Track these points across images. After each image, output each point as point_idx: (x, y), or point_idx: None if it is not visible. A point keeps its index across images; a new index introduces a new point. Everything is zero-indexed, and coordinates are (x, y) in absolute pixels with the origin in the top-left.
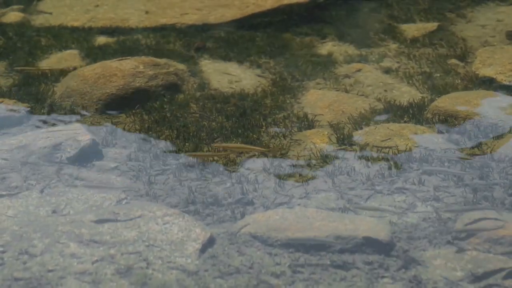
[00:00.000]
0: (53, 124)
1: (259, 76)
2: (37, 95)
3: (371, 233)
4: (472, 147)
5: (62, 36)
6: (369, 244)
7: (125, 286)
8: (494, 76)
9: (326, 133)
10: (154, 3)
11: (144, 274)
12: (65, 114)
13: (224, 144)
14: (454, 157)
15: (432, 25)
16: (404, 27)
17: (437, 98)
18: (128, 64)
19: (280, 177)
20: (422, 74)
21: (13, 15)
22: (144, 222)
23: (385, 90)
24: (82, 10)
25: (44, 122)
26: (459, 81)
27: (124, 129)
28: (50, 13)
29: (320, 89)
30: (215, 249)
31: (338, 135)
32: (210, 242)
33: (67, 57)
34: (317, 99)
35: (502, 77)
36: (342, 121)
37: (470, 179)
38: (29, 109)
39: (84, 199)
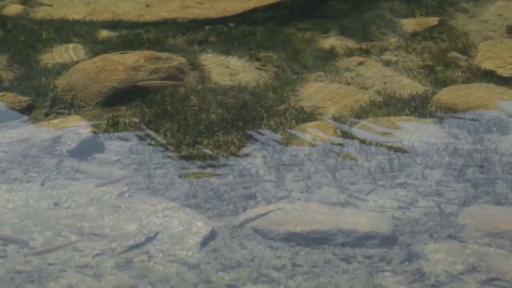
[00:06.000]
0: (54, 117)
1: (260, 69)
2: (38, 89)
3: (372, 227)
4: (474, 142)
5: (63, 30)
6: (371, 238)
7: (126, 279)
8: (495, 69)
9: (327, 125)
10: None
11: (145, 267)
12: (66, 107)
13: (147, 82)
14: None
15: (433, 20)
16: (405, 21)
17: (438, 91)
18: (130, 58)
19: (281, 170)
20: (423, 67)
21: (13, 7)
22: (146, 216)
23: (386, 83)
24: (83, 3)
25: (45, 115)
26: (460, 73)
27: (125, 122)
28: (51, 5)
29: (321, 81)
30: (216, 243)
31: (339, 127)
32: (211, 235)
33: (69, 51)
34: (317, 91)
35: (503, 70)
36: (343, 114)
37: (472, 174)
38: (30, 102)
39: (85, 192)
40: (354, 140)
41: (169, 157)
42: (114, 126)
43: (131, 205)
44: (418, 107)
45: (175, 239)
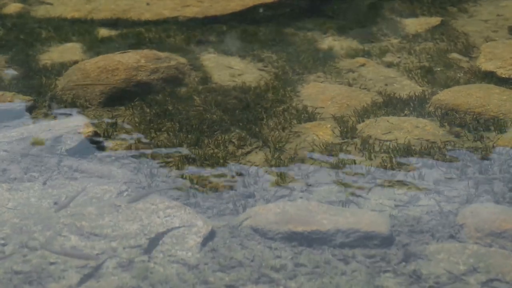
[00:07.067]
0: (54, 117)
1: (260, 69)
2: (39, 88)
3: (372, 226)
4: (474, 140)
5: (63, 28)
6: (370, 238)
7: (127, 279)
8: (495, 70)
9: (328, 125)
10: None
11: (146, 268)
12: (66, 107)
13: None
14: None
15: (435, 20)
16: (407, 21)
17: (438, 92)
18: (130, 57)
19: (281, 169)
20: (424, 68)
21: (13, 6)
22: (146, 215)
23: (386, 84)
24: (83, 1)
25: (45, 114)
26: (462, 75)
27: (125, 121)
28: (51, 4)
29: (321, 82)
30: (216, 242)
31: (339, 127)
32: (211, 235)
33: (69, 50)
34: (318, 92)
35: (503, 71)
36: (345, 114)
37: (472, 173)
38: (30, 102)
39: (85, 191)
40: (354, 140)
41: (169, 156)
42: (113, 125)
43: (130, 204)
44: (418, 107)
45: (175, 238)
